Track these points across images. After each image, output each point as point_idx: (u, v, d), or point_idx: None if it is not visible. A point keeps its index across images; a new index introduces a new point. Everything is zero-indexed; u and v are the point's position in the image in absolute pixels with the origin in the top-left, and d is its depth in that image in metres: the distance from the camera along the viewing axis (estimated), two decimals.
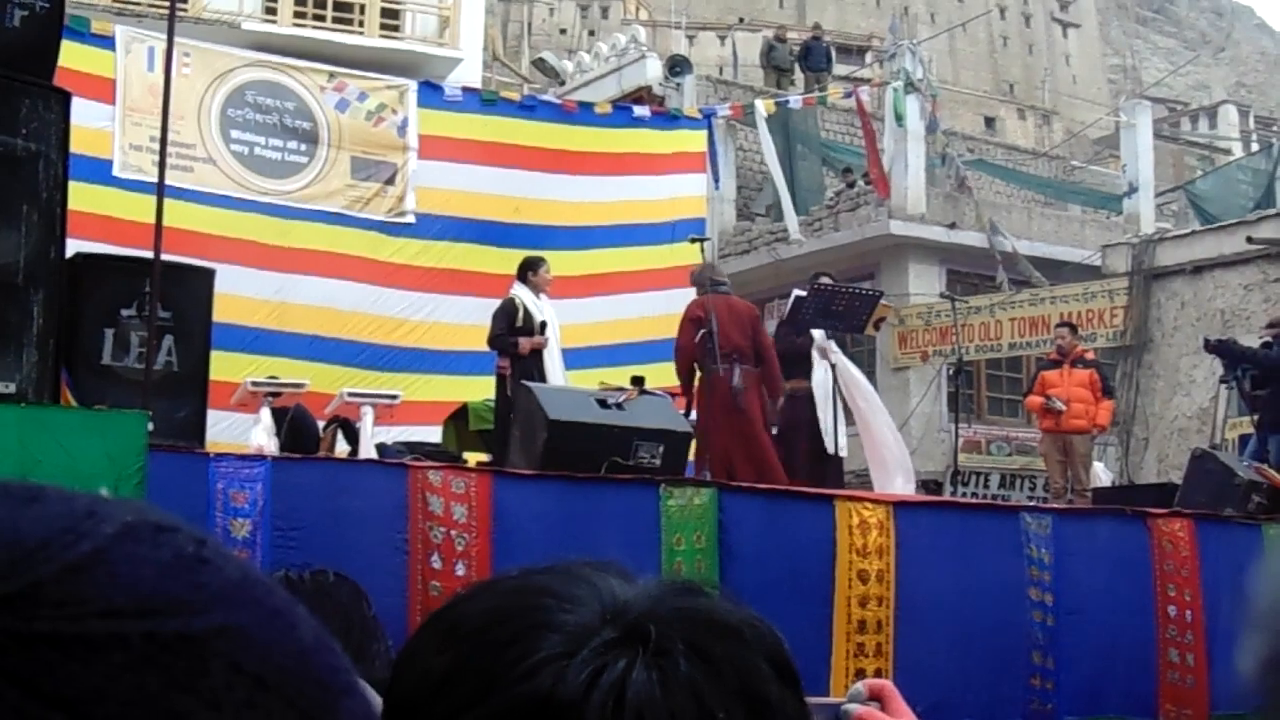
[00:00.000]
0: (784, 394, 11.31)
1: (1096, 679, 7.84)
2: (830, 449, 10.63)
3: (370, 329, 13.84)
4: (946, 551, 7.64)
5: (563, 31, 64.29)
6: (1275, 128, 60.57)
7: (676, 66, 23.26)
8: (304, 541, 6.08)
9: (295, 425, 10.37)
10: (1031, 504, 10.94)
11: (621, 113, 16.39)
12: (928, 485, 14.97)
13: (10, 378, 5.34)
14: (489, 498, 6.62)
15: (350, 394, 11.42)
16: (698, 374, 10.57)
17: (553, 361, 10.96)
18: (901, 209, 19.81)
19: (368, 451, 10.35)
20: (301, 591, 2.37)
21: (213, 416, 8.00)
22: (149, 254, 6.49)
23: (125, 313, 6.67)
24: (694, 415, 10.24)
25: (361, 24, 18.47)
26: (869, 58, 51.38)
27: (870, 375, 14.16)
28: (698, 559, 6.90)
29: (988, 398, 20.34)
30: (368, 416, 11.00)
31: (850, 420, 11.21)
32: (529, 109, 15.56)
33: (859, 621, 7.22)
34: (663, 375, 11.56)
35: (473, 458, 10.40)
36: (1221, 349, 13.20)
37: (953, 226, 20.02)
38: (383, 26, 18.66)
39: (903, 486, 10.24)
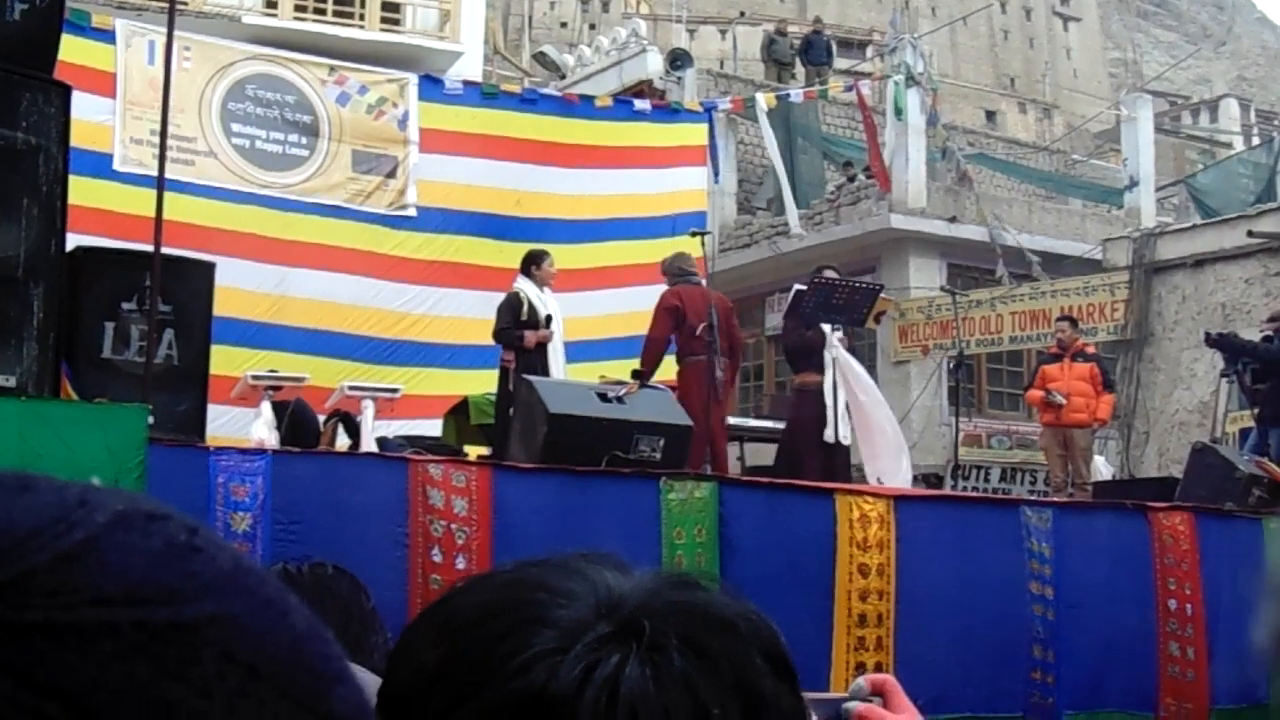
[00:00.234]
0: (793, 388, 11.34)
1: (1097, 673, 7.84)
2: (833, 439, 10.63)
3: (371, 322, 13.84)
4: (947, 545, 7.63)
5: (563, 25, 64.28)
6: (1276, 121, 60.54)
7: (677, 60, 23.23)
8: (305, 535, 6.08)
9: (296, 419, 10.37)
10: (1032, 498, 10.94)
11: (622, 106, 16.38)
12: (928, 479, 14.97)
13: (10, 371, 5.33)
14: (489, 491, 6.62)
15: (351, 388, 11.41)
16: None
17: (556, 355, 10.96)
18: (902, 203, 19.80)
19: (368, 445, 10.35)
20: (300, 584, 2.37)
21: (213, 411, 8.00)
22: (149, 248, 6.49)
23: (125, 306, 6.67)
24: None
25: (362, 18, 18.46)
26: (870, 51, 51.34)
27: (871, 369, 14.15)
28: (698, 553, 6.90)
29: (988, 391, 20.33)
30: (368, 410, 11.00)
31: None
32: (530, 102, 15.55)
33: (859, 615, 7.22)
34: (663, 369, 11.56)
35: (473, 451, 10.40)
36: (1222, 343, 13.19)
37: (953, 220, 20.02)
38: (383, 20, 18.64)
39: (902, 481, 10.23)
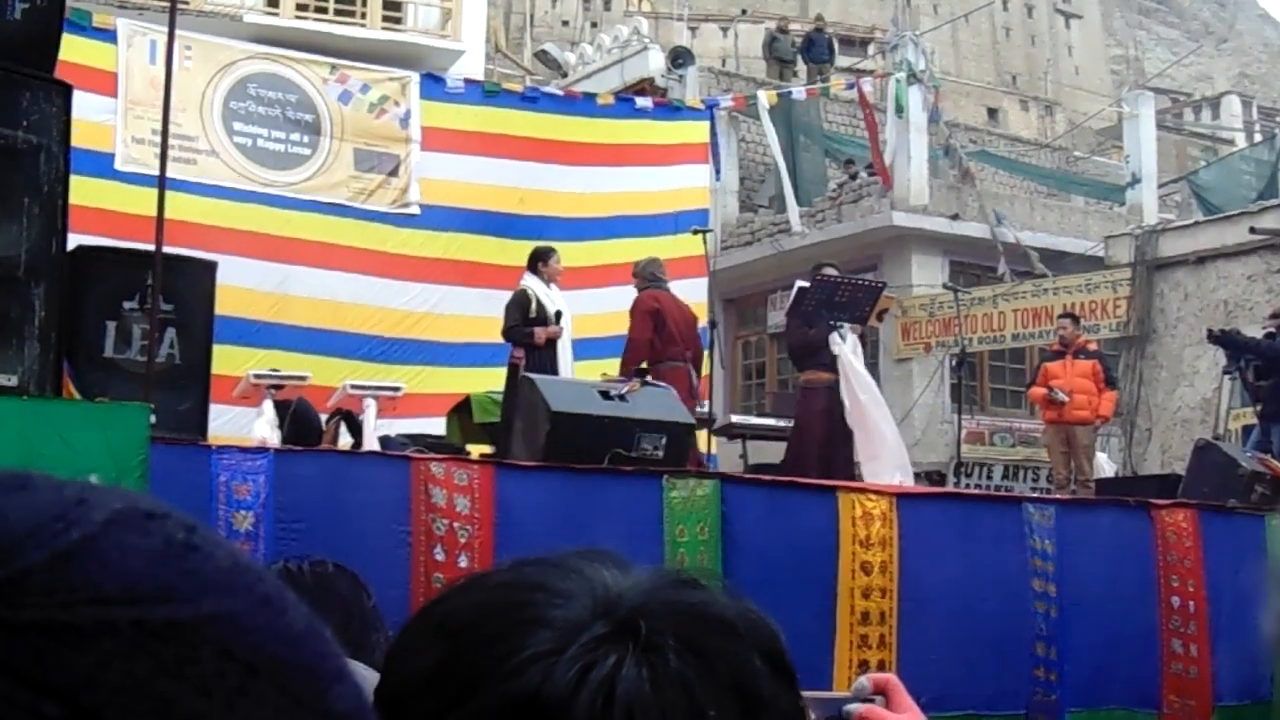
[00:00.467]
0: (799, 386, 11.36)
1: (1100, 670, 7.83)
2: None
3: (373, 321, 13.85)
4: (950, 543, 7.63)
5: (565, 23, 64.29)
6: (1278, 118, 60.48)
7: (679, 58, 23.23)
8: (307, 534, 6.08)
9: (298, 418, 10.37)
10: (1035, 495, 10.93)
11: (624, 104, 16.39)
12: (931, 476, 14.97)
13: (12, 370, 5.33)
14: (491, 490, 6.61)
15: (353, 386, 11.42)
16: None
17: (565, 352, 10.97)
18: (904, 200, 19.78)
19: (371, 444, 10.35)
20: (302, 582, 2.38)
21: (215, 410, 8.00)
22: (151, 247, 6.50)
23: (127, 305, 6.67)
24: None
25: (364, 16, 18.46)
26: (871, 49, 51.30)
27: (873, 367, 14.16)
28: (700, 551, 6.89)
29: (991, 389, 20.32)
30: (370, 409, 11.00)
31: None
32: (531, 100, 15.56)
33: (862, 613, 7.21)
34: None
35: (476, 450, 10.39)
36: (1225, 340, 13.19)
37: (955, 218, 20.00)
38: (385, 19, 18.65)
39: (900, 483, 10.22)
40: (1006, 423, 19.55)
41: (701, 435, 10.32)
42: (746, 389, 22.04)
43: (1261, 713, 8.05)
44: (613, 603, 0.78)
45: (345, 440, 10.88)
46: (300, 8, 18.12)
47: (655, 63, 22.88)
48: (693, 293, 13.90)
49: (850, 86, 21.38)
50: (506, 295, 11.62)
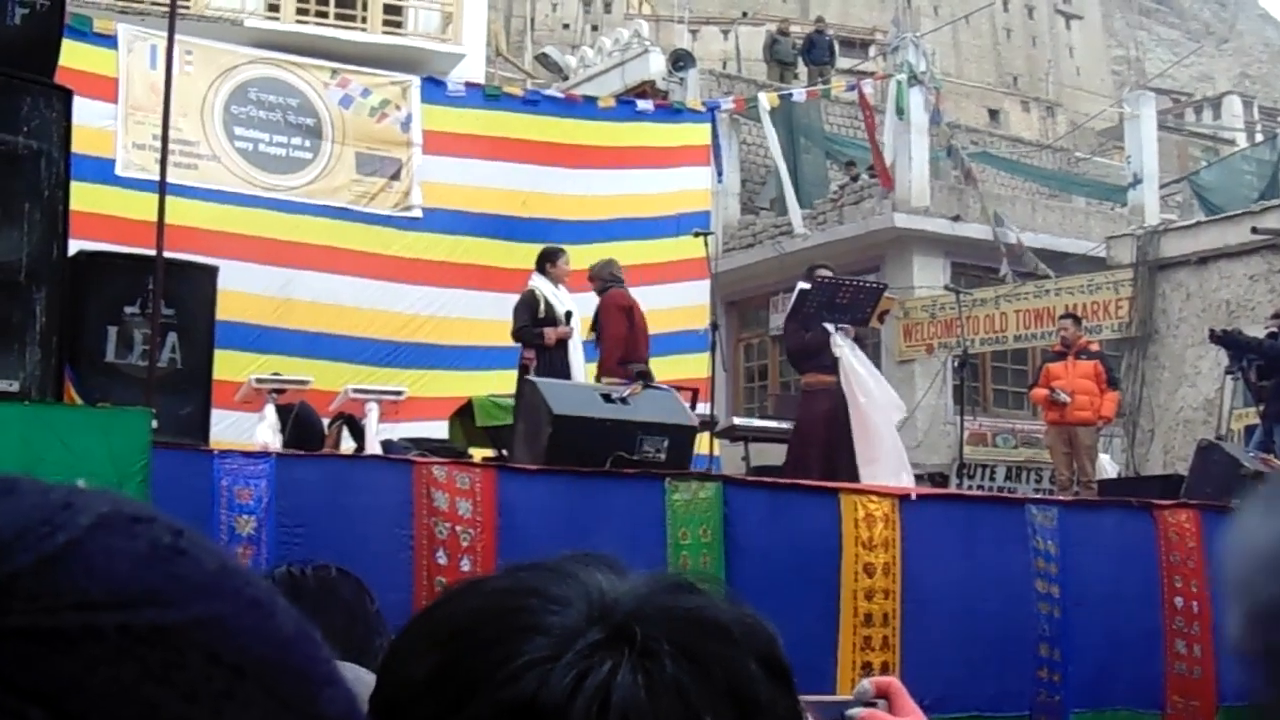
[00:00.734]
0: (799, 389, 11.35)
1: (1104, 670, 7.83)
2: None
3: (376, 325, 13.85)
4: (952, 544, 7.62)
5: (566, 26, 64.31)
6: (1279, 118, 60.46)
7: (680, 61, 23.24)
8: (309, 538, 6.08)
9: (300, 422, 10.36)
10: (1037, 496, 10.92)
11: (625, 107, 16.40)
12: (933, 478, 14.95)
13: (13, 376, 5.33)
14: (494, 493, 6.61)
15: (355, 390, 11.41)
16: None
17: (576, 352, 10.97)
18: (905, 202, 19.78)
19: (373, 448, 10.34)
20: (304, 587, 2.37)
21: (217, 415, 7.99)
22: (152, 252, 6.50)
23: (129, 310, 6.67)
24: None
25: (364, 20, 18.45)
26: (872, 51, 51.33)
27: (875, 368, 14.14)
28: (703, 553, 6.89)
29: (993, 390, 20.32)
30: (373, 413, 10.99)
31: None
32: (532, 104, 15.56)
33: (865, 615, 7.21)
34: (667, 369, 11.56)
35: (479, 454, 10.38)
36: (1227, 340, 13.18)
37: (957, 219, 20.00)
38: (385, 23, 18.64)
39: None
40: (1009, 424, 19.54)
41: (704, 438, 10.31)
42: (749, 391, 22.04)
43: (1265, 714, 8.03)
44: (608, 608, 0.78)
45: (347, 445, 10.87)
46: (301, 12, 18.12)
47: (656, 65, 22.89)
48: (694, 295, 13.91)
49: (851, 88, 21.37)
50: (509, 298, 11.62)
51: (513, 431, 9.83)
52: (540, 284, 11.10)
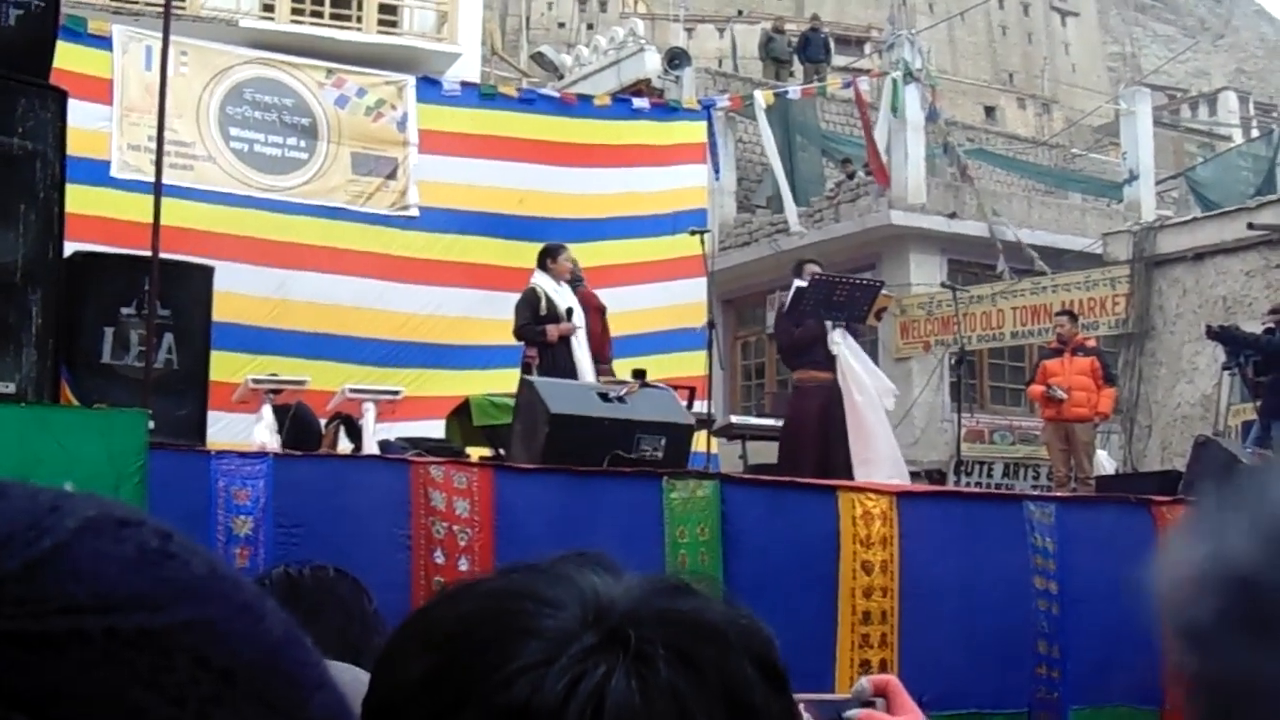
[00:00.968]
0: (793, 385, 11.34)
1: (1102, 667, 7.82)
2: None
3: (373, 324, 13.83)
4: (950, 541, 7.62)
5: (561, 25, 64.22)
6: (1275, 114, 60.47)
7: (675, 59, 23.24)
8: (307, 538, 6.07)
9: (297, 422, 10.35)
10: (1035, 493, 10.92)
11: (621, 105, 16.38)
12: (931, 475, 14.96)
13: (10, 377, 5.33)
14: (491, 492, 6.61)
15: (352, 390, 11.40)
16: None
17: (580, 348, 10.96)
18: (902, 199, 19.79)
19: (370, 448, 10.34)
20: (302, 587, 2.37)
21: (214, 416, 7.99)
22: (148, 253, 6.49)
23: (125, 311, 6.66)
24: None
25: (359, 20, 18.45)
26: (868, 48, 51.31)
27: (868, 357, 14.13)
28: (701, 552, 6.89)
29: (990, 387, 20.32)
30: (370, 413, 10.99)
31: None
32: (528, 103, 15.56)
33: (863, 612, 7.21)
34: (664, 367, 11.56)
35: (476, 453, 10.38)
36: (1224, 335, 13.18)
37: (953, 216, 20.00)
38: (380, 22, 18.64)
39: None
40: (1006, 421, 19.55)
41: (701, 436, 10.30)
42: (746, 389, 22.04)
43: None
44: (603, 611, 0.77)
45: (345, 445, 10.87)
46: (296, 12, 18.10)
47: (651, 64, 22.89)
48: (691, 293, 13.91)
49: (847, 86, 21.36)
50: (506, 297, 11.62)
51: (510, 431, 9.84)
52: (541, 281, 11.10)
